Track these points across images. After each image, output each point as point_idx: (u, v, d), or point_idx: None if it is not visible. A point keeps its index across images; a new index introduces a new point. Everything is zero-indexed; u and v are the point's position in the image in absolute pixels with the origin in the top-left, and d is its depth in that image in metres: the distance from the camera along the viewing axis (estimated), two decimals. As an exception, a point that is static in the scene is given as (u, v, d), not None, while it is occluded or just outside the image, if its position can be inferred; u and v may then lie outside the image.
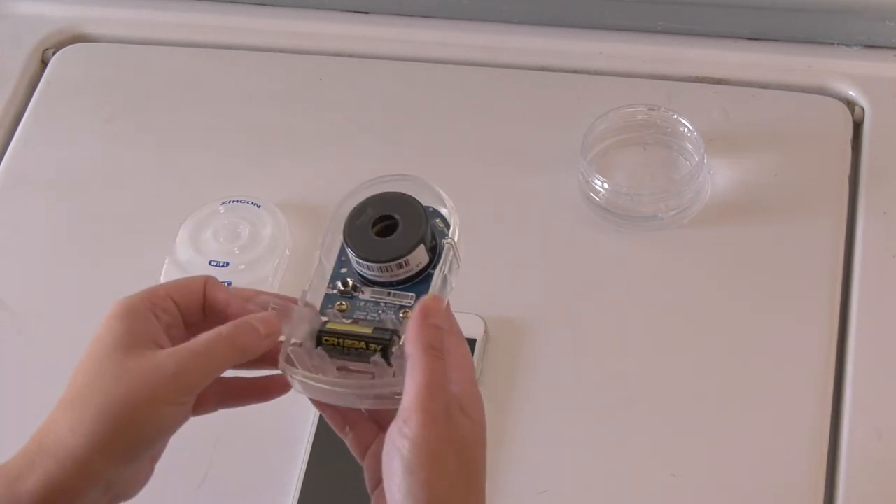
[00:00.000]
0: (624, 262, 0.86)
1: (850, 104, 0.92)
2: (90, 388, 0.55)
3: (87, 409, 0.54)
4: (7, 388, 0.85)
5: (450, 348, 0.59)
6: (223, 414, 0.82)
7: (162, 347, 0.57)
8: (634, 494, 0.76)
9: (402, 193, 0.62)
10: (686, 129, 0.88)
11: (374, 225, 0.61)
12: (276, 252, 0.87)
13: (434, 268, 0.61)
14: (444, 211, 0.63)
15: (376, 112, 0.96)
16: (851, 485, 0.74)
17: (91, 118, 0.99)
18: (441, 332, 0.57)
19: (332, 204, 0.63)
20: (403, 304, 0.61)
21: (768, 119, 0.91)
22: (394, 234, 0.60)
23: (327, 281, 0.62)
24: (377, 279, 0.61)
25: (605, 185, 0.86)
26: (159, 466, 0.60)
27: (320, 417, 0.78)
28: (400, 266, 0.60)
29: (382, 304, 0.61)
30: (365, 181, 0.63)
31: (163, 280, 0.85)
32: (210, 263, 0.86)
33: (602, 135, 0.89)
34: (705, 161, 0.86)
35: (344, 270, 0.62)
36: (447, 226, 0.62)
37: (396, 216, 0.61)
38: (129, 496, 0.59)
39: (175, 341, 0.58)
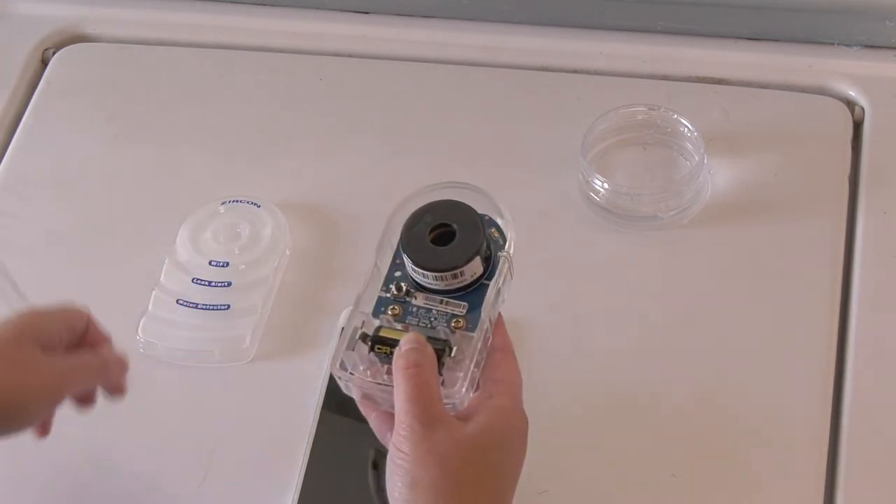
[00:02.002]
0: (624, 262, 0.86)
1: (850, 104, 0.92)
2: None
3: None
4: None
5: (497, 363, 0.61)
6: (223, 413, 0.82)
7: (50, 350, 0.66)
8: (634, 494, 0.76)
9: (460, 202, 0.62)
10: (686, 129, 0.88)
11: (430, 231, 0.61)
12: (276, 252, 0.87)
13: (487, 278, 0.61)
14: (500, 221, 0.63)
15: (376, 112, 0.96)
16: (851, 485, 0.74)
17: (91, 118, 0.99)
18: (418, 351, 0.59)
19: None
20: (455, 312, 0.61)
21: (768, 119, 0.91)
22: (451, 244, 0.60)
23: (381, 283, 0.62)
24: (431, 286, 0.61)
25: (605, 185, 0.86)
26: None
27: (320, 418, 0.78)
28: (455, 276, 0.60)
29: (434, 312, 0.61)
30: (424, 186, 0.63)
31: (163, 280, 0.85)
32: (210, 263, 0.86)
33: (602, 135, 0.89)
34: (705, 161, 0.86)
35: (398, 274, 0.62)
36: (502, 237, 0.62)
37: (454, 225, 0.61)
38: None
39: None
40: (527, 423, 0.61)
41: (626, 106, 0.89)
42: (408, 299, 0.62)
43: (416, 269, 0.61)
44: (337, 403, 0.78)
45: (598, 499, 0.76)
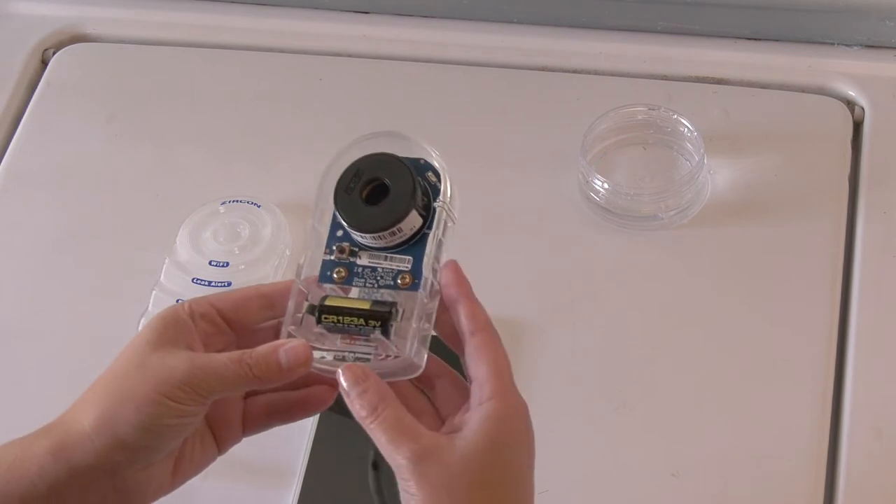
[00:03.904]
0: (624, 262, 0.86)
1: (850, 104, 0.92)
2: (114, 374, 0.58)
3: (103, 392, 0.57)
4: (6, 387, 0.85)
5: (476, 354, 0.59)
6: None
7: (192, 350, 0.59)
8: (634, 494, 0.76)
9: (389, 154, 0.60)
10: (686, 129, 0.88)
11: (363, 189, 0.60)
12: (275, 252, 0.87)
13: (429, 228, 0.60)
14: (434, 164, 0.61)
15: (376, 112, 0.96)
16: (851, 485, 0.74)
17: (91, 118, 0.99)
18: (370, 392, 0.57)
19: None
20: (401, 268, 0.60)
21: (768, 119, 0.91)
22: (385, 201, 0.59)
23: (323, 247, 0.61)
24: (372, 245, 0.60)
25: (605, 185, 0.86)
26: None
27: (320, 418, 0.78)
28: (393, 234, 0.59)
29: (380, 270, 0.60)
30: (351, 141, 0.62)
31: (163, 280, 0.85)
32: (210, 263, 0.86)
33: (602, 135, 0.89)
34: (705, 161, 0.86)
35: (340, 234, 0.61)
36: (439, 179, 0.61)
37: (385, 179, 0.60)
38: (141, 500, 0.59)
39: (214, 348, 0.60)
40: (525, 407, 0.58)
41: (626, 106, 0.89)
42: (352, 259, 0.60)
43: (353, 230, 0.60)
44: (337, 403, 0.77)
45: (598, 499, 0.76)
